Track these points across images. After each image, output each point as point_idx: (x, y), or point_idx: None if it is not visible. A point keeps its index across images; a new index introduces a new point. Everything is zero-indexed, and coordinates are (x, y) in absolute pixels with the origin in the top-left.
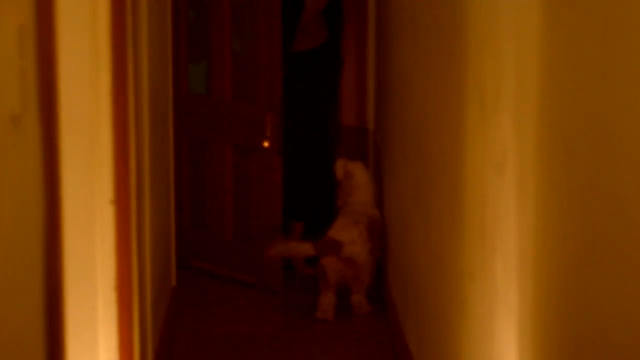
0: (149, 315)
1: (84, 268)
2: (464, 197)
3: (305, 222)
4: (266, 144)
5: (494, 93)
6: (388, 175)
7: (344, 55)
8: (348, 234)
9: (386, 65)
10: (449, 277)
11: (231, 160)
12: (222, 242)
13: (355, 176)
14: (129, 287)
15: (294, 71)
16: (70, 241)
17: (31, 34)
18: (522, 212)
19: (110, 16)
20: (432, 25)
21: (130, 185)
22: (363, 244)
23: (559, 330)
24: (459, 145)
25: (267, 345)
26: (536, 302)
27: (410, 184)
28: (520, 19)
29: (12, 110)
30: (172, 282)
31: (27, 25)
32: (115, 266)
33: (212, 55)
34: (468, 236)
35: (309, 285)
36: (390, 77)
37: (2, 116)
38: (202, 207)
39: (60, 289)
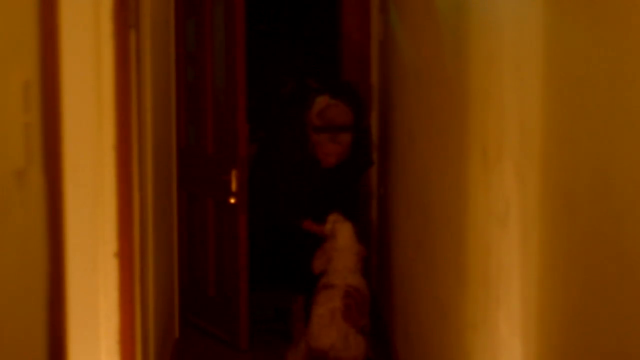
0: None
1: (87, 320)
2: (468, 248)
3: (306, 294)
4: (232, 201)
5: (497, 145)
6: (392, 226)
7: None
8: (327, 337)
9: (390, 117)
10: (452, 328)
11: (213, 215)
12: (205, 298)
13: (338, 237)
14: (132, 340)
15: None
16: (74, 293)
17: (36, 89)
18: (525, 263)
19: (115, 70)
20: (436, 78)
21: (134, 238)
22: (345, 340)
23: None
24: (462, 197)
25: None
26: (540, 354)
27: (413, 234)
28: (524, 71)
29: (17, 165)
30: (175, 334)
31: (32, 80)
32: (119, 319)
33: (196, 110)
34: (472, 287)
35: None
36: (394, 128)
37: (6, 171)
38: (192, 262)
39: (64, 341)
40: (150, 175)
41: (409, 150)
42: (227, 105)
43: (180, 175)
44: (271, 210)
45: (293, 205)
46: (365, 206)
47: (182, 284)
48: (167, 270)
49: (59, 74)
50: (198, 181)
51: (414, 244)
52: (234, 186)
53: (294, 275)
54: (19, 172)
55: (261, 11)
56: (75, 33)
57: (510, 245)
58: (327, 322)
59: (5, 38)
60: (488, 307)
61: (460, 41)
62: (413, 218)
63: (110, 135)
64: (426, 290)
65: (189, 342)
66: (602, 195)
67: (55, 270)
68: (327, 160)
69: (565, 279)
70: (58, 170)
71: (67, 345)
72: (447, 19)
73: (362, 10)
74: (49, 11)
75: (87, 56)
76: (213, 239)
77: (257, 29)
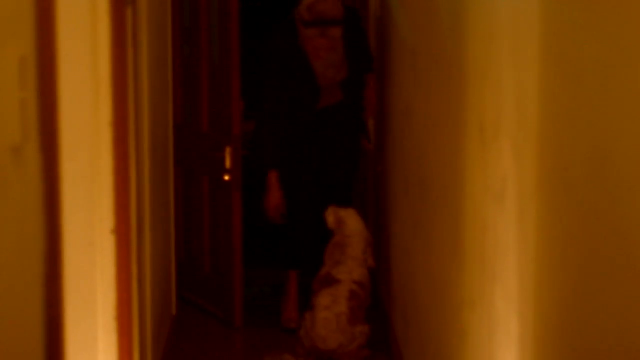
0: (149, 344)
1: (84, 297)
2: (465, 226)
3: (303, 270)
4: (226, 178)
5: (494, 121)
6: (389, 204)
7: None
8: (335, 340)
9: (387, 94)
10: (449, 306)
11: (208, 192)
12: (202, 275)
13: (348, 223)
14: (129, 316)
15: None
16: (71, 270)
17: (32, 65)
18: (522, 240)
19: (111, 47)
20: (432, 55)
21: (131, 215)
22: (352, 337)
23: (559, 358)
24: (459, 174)
25: None
26: (537, 330)
27: (411, 212)
28: (521, 48)
29: (13, 141)
30: (172, 311)
31: (28, 56)
32: (116, 295)
33: (192, 87)
34: (468, 264)
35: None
36: (391, 106)
37: (2, 147)
38: (188, 240)
39: (60, 318)
40: (147, 153)
41: (406, 127)
42: (222, 82)
43: (177, 152)
44: (257, 153)
45: (279, 148)
46: (362, 184)
47: (179, 260)
48: (164, 247)
49: (55, 50)
50: (194, 158)
51: (411, 221)
52: (228, 163)
53: (287, 250)
54: (16, 149)
55: None
56: (71, 9)
57: (507, 222)
58: (334, 327)
59: (0, 13)
60: (485, 284)
61: (457, 19)
62: (410, 196)
63: (107, 112)
64: (423, 268)
65: (187, 319)
66: (598, 172)
67: (52, 247)
68: (317, 55)
69: (561, 256)
70: (55, 147)
71: (64, 323)
72: None
73: None
74: None
75: (84, 32)
76: (208, 216)
77: (253, 5)
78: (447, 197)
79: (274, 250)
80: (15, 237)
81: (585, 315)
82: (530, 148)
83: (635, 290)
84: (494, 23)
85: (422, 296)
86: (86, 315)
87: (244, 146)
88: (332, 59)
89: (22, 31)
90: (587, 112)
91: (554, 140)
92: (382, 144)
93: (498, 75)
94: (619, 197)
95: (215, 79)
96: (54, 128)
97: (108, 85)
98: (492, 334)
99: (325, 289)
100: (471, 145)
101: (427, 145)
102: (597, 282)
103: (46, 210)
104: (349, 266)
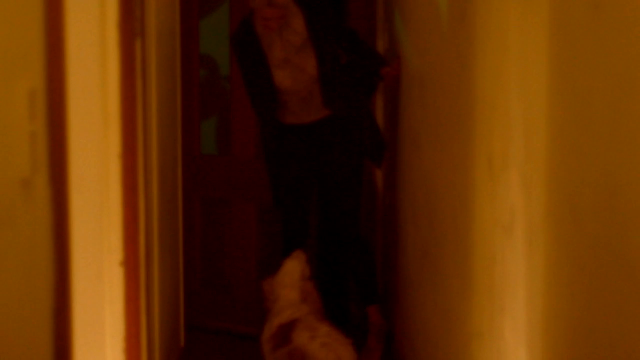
0: None
1: (93, 330)
2: (473, 257)
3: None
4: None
5: (502, 153)
6: (397, 235)
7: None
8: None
9: (395, 125)
10: (458, 337)
11: (255, 219)
12: (244, 302)
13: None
14: (137, 349)
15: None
16: (79, 303)
17: (42, 98)
18: (531, 271)
19: (121, 79)
20: (441, 86)
21: (140, 246)
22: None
23: None
24: (468, 205)
25: None
26: None
27: (419, 243)
28: (529, 79)
29: (23, 173)
30: (181, 342)
31: (38, 89)
32: (125, 328)
33: (232, 113)
34: (477, 296)
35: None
36: (399, 136)
37: (12, 179)
38: (218, 267)
39: (69, 351)
40: (156, 184)
41: (415, 158)
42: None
43: (197, 180)
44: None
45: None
46: (371, 214)
47: (191, 288)
48: (173, 278)
49: (64, 83)
50: (227, 186)
51: (420, 252)
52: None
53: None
54: (25, 181)
55: None
56: (81, 42)
57: (516, 254)
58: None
59: (11, 47)
60: (494, 315)
61: (465, 50)
62: (419, 227)
63: (116, 144)
64: (432, 299)
65: (195, 351)
66: (607, 204)
67: (61, 279)
68: (267, 26)
69: (570, 289)
70: (64, 179)
71: (72, 355)
72: (452, 29)
73: (367, 18)
74: (55, 20)
75: (93, 65)
76: (255, 241)
77: None
78: (455, 228)
79: None
80: (24, 269)
81: (594, 348)
82: (539, 179)
83: None
84: (501, 54)
85: (431, 327)
86: (95, 347)
87: None
88: (291, 41)
89: (32, 65)
90: (596, 144)
91: (563, 172)
92: (391, 174)
93: (506, 106)
94: (628, 229)
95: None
96: (63, 160)
97: (117, 117)
98: None
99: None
100: (480, 177)
101: (435, 176)
102: (606, 315)
103: (55, 241)
104: (293, 309)
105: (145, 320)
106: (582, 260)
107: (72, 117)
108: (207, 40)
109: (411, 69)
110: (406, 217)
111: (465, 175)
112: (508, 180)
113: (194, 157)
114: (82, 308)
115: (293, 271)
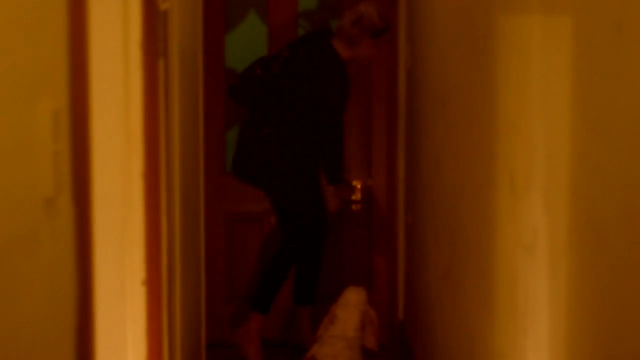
0: None
1: (115, 349)
2: (495, 278)
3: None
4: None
5: (524, 173)
6: (419, 254)
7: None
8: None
9: (416, 144)
10: (480, 357)
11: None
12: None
13: (345, 293)
14: None
15: None
16: (102, 322)
17: (65, 117)
18: (553, 292)
19: (143, 99)
20: (462, 105)
21: (162, 266)
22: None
23: None
24: (490, 225)
25: None
26: None
27: (441, 263)
28: (551, 98)
29: (46, 192)
30: (202, 359)
31: (62, 109)
32: (147, 347)
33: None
34: (499, 316)
35: None
36: (421, 156)
37: (36, 199)
38: (241, 283)
39: None
40: (178, 202)
41: (436, 177)
42: None
43: (220, 196)
44: None
45: None
46: (392, 234)
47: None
48: (195, 296)
49: (88, 103)
50: (250, 202)
51: (441, 272)
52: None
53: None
54: (48, 200)
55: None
56: (104, 62)
57: (538, 274)
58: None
59: (35, 67)
60: (516, 336)
61: (487, 70)
62: (440, 246)
63: (139, 163)
64: (453, 319)
65: None
66: (631, 224)
67: (84, 298)
68: None
69: (593, 309)
70: (87, 198)
71: None
72: (474, 48)
73: (389, 38)
74: (78, 40)
75: (116, 85)
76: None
77: None
78: (477, 248)
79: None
80: (47, 288)
81: None
82: (561, 200)
83: None
84: (524, 74)
85: (452, 348)
86: None
87: None
88: None
89: (56, 85)
90: (619, 164)
91: (586, 192)
92: (412, 194)
93: (529, 126)
94: None
95: None
96: (86, 179)
97: (140, 136)
98: None
99: None
100: (501, 197)
101: (457, 196)
102: (630, 337)
103: (78, 261)
104: (336, 348)
105: (167, 339)
106: (604, 281)
107: (95, 137)
108: (232, 54)
109: (433, 89)
110: (428, 236)
111: (487, 195)
112: (530, 200)
113: (218, 172)
114: (104, 327)
115: (358, 296)
